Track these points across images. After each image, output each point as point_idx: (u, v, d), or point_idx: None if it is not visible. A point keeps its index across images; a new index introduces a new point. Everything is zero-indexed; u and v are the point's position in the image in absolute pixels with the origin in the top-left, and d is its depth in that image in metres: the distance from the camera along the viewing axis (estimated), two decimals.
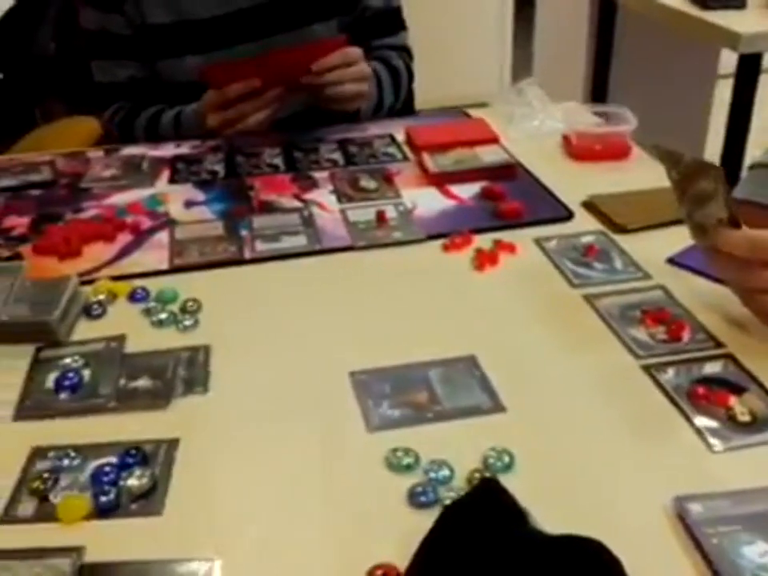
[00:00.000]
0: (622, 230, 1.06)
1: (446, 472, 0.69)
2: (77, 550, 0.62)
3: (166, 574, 0.60)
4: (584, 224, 1.09)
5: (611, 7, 2.95)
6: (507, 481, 0.65)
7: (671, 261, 1.00)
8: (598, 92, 3.03)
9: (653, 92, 2.62)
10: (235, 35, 1.40)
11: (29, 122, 3.01)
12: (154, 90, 1.48)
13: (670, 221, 1.05)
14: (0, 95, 3.12)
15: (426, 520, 0.62)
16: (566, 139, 1.32)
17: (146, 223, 1.13)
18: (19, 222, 1.15)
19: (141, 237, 1.10)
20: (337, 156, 1.31)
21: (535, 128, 1.37)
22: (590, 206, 1.13)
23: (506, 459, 0.70)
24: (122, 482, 0.68)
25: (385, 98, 1.50)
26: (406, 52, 1.60)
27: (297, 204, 1.17)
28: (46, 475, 0.69)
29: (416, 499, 0.67)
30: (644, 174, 1.19)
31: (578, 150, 1.28)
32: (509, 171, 1.22)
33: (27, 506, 0.68)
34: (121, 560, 0.62)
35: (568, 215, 1.12)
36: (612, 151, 1.28)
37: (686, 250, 0.99)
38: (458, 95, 1.46)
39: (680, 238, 0.99)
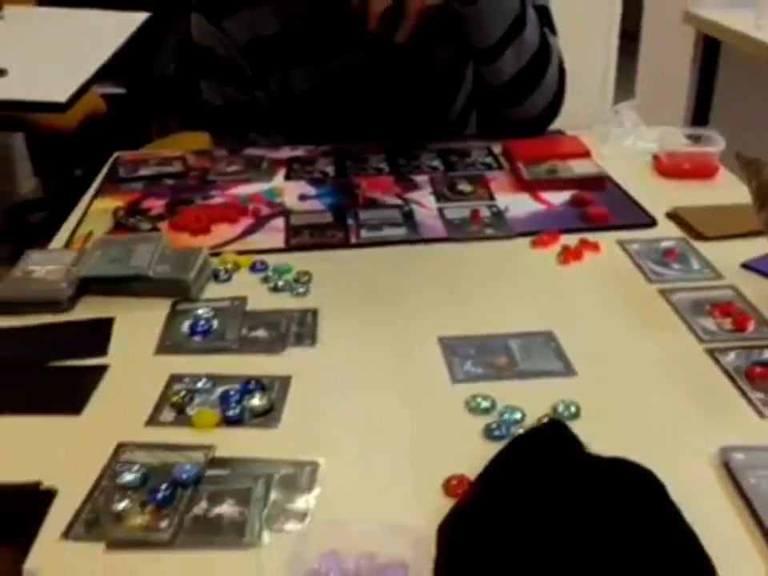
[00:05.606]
0: (702, 237, 1.13)
1: (518, 415, 0.79)
2: (208, 447, 0.75)
3: (280, 468, 0.73)
4: (666, 231, 1.16)
5: (715, 46, 2.99)
6: (573, 426, 0.75)
7: (745, 265, 1.05)
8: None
9: (755, 128, 2.64)
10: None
11: (145, 135, 3.24)
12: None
13: (749, 232, 1.10)
14: (122, 108, 3.37)
15: (497, 448, 0.73)
16: (656, 158, 1.37)
17: (265, 211, 1.26)
18: (156, 204, 1.29)
19: (260, 221, 1.23)
20: (437, 163, 1.42)
21: (627, 147, 1.44)
22: (673, 216, 1.19)
23: (573, 410, 0.80)
24: (245, 402, 0.81)
25: (528, 14, 1.36)
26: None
27: (398, 201, 1.28)
28: (182, 393, 0.83)
29: (491, 434, 0.77)
30: (729, 192, 1.23)
31: (667, 167, 1.34)
32: (598, 182, 1.30)
33: (168, 415, 0.81)
34: (243, 456, 0.75)
35: (651, 222, 1.19)
36: (700, 170, 1.33)
37: (762, 258, 1.05)
38: (558, 122, 1.52)
39: (758, 248, 1.06)
